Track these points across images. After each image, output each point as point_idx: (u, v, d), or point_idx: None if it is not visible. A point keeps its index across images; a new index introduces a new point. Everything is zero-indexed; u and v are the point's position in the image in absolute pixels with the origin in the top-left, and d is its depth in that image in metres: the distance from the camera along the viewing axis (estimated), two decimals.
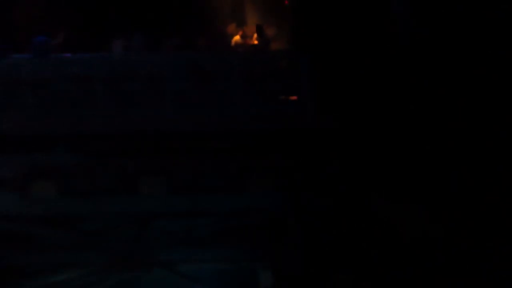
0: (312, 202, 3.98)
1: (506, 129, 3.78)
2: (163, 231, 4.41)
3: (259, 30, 8.40)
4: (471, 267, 3.53)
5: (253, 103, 4.86)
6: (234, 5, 10.54)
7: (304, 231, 3.92)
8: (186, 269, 4.49)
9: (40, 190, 3.85)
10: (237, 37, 9.92)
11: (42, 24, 9.58)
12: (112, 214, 4.20)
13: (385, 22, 4.59)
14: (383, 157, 4.16)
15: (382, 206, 4.04)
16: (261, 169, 3.90)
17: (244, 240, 4.26)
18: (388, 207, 4.04)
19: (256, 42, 9.33)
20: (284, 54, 7.41)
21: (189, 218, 4.28)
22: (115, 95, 5.42)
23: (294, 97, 5.79)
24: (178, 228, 4.38)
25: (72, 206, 3.96)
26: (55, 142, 4.12)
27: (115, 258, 4.25)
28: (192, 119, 4.44)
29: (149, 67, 6.33)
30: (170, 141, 4.21)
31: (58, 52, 6.86)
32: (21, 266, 4.42)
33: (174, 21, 9.16)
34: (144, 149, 4.17)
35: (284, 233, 3.99)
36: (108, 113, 4.91)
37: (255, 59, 6.83)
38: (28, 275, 4.53)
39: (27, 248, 4.22)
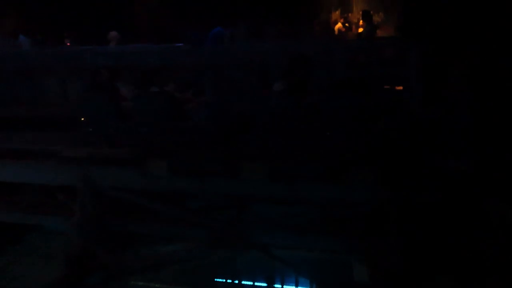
0: (416, 198, 3.78)
1: None
2: (261, 216, 4.56)
3: (366, 16, 8.11)
4: None
5: (355, 93, 4.74)
6: None
7: (405, 228, 3.75)
8: (280, 254, 4.59)
9: (155, 168, 4.22)
10: (339, 25, 9.71)
11: (159, 15, 10.43)
12: (216, 194, 4.46)
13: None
14: (498, 155, 3.81)
15: (496, 207, 3.70)
16: (362, 160, 3.80)
17: (341, 231, 4.21)
18: (503, 208, 3.69)
19: (360, 29, 9.03)
20: (392, 41, 7.08)
21: (287, 205, 4.37)
22: (220, 83, 5.72)
23: (399, 87, 5.53)
24: (275, 214, 4.49)
25: (181, 184, 4.28)
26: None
27: (216, 236, 4.49)
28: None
29: (252, 56, 6.53)
30: (272, 128, 4.31)
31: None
32: (136, 235, 4.96)
33: (278, 9, 9.28)
34: (247, 135, 4.33)
35: (383, 228, 3.86)
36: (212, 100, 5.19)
37: (359, 47, 6.63)
38: (142, 244, 5.07)
39: (142, 220, 4.68)
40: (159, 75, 5.37)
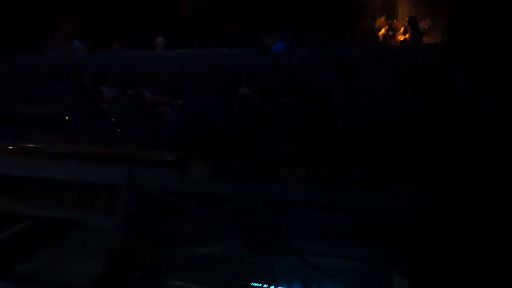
0: (462, 209, 3.62)
1: None
2: (299, 221, 4.52)
3: (413, 23, 7.91)
4: None
5: (400, 100, 4.63)
6: None
7: (451, 243, 3.59)
8: (317, 261, 4.53)
9: (196, 171, 4.29)
10: (383, 31, 9.53)
11: (203, 20, 10.65)
12: (255, 198, 4.47)
13: None
14: None
15: None
16: (407, 169, 3.68)
17: (381, 241, 4.10)
18: None
19: (403, 37, 8.82)
20: (439, 48, 6.86)
21: (326, 212, 4.31)
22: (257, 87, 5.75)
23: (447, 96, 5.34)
24: (314, 220, 4.43)
25: (221, 187, 4.32)
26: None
27: (252, 239, 4.50)
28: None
29: (294, 61, 6.52)
30: (311, 134, 4.28)
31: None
32: (174, 235, 5.06)
33: (323, 15, 9.23)
34: (285, 141, 4.32)
35: (427, 241, 3.71)
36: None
37: (404, 53, 6.47)
38: (180, 244, 5.15)
39: (181, 221, 4.77)
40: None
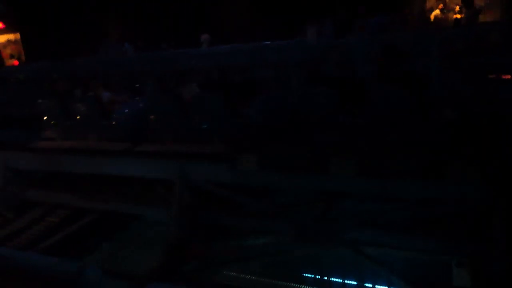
0: None
1: None
2: (350, 212, 4.45)
3: (467, 0, 7.41)
4: None
5: (455, 84, 4.41)
6: None
7: None
8: (371, 252, 4.44)
9: (244, 163, 4.36)
10: (437, 11, 9.04)
11: (246, 15, 10.68)
12: (304, 190, 4.46)
13: None
14: None
15: None
16: (464, 156, 3.50)
17: (438, 231, 3.95)
18: None
19: (458, 16, 8.32)
20: (498, 26, 6.41)
21: (377, 202, 4.21)
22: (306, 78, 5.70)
23: (507, 76, 5.02)
24: (365, 211, 4.35)
25: (270, 179, 4.36)
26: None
27: (304, 231, 4.49)
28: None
29: (339, 51, 6.39)
30: (359, 124, 4.19)
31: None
32: (225, 227, 5.17)
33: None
34: (337, 130, 4.27)
35: (488, 231, 3.52)
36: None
37: (459, 33, 6.12)
38: (233, 236, 5.26)
39: (232, 213, 4.86)
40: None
